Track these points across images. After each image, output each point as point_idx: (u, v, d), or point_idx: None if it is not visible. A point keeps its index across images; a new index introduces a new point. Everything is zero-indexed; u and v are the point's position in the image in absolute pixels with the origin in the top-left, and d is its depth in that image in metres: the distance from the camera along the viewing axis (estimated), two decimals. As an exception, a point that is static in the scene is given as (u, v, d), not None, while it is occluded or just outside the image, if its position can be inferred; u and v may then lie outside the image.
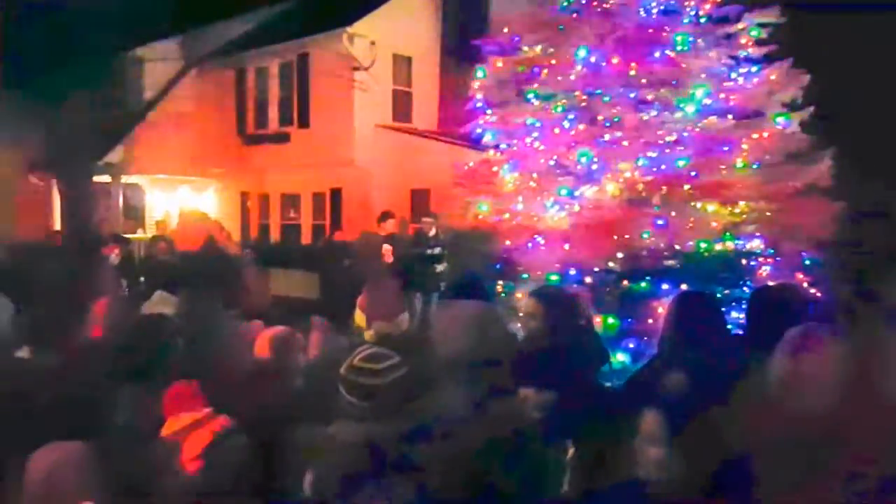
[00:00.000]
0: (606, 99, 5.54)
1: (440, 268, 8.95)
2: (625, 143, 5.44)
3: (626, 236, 5.21)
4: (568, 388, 2.57)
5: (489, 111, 5.98)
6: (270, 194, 18.13)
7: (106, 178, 16.99)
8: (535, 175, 5.61)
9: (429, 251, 9.40)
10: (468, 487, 2.23)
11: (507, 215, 5.73)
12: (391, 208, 11.73)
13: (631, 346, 5.06)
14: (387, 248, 9.27)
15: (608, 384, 3.59)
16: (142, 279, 7.47)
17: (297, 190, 17.41)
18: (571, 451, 2.67)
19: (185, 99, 16.44)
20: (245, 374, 3.28)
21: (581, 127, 5.52)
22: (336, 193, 16.31)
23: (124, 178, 18.11)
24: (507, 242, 5.59)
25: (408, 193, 14.39)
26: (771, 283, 4.18)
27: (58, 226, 14.94)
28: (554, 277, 5.19)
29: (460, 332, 2.85)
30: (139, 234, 16.58)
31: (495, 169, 5.95)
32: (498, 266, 5.56)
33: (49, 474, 2.31)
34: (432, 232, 9.78)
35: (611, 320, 5.09)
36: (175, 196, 19.02)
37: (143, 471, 2.58)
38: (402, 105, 15.90)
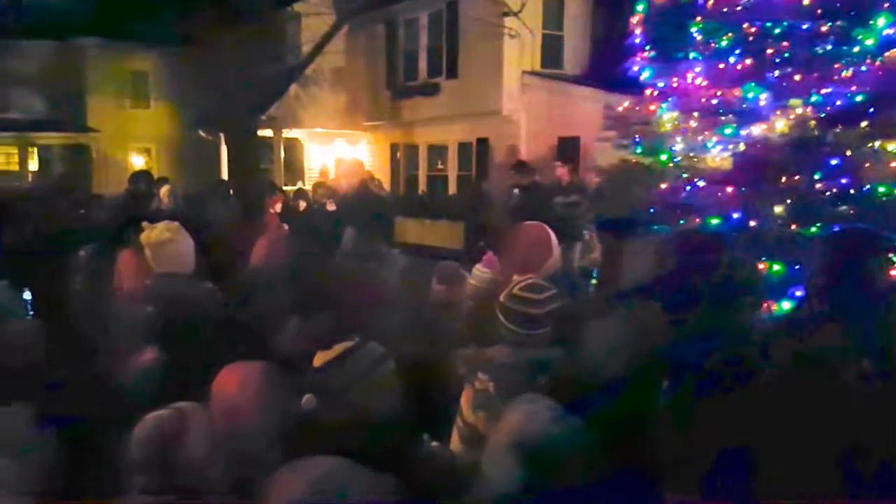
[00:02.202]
0: (777, 31, 5.19)
1: (575, 215, 8.79)
2: (796, 78, 5.09)
3: (796, 178, 4.91)
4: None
5: (648, 47, 5.75)
6: (419, 145, 18.46)
7: (268, 133, 17.92)
8: (696, 113, 5.36)
9: (563, 199, 9.24)
10: (610, 417, 2.21)
11: (663, 156, 5.53)
12: (538, 157, 11.63)
13: (798, 293, 4.78)
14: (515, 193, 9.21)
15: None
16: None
17: (445, 141, 17.61)
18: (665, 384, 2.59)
19: (338, 53, 16.94)
20: (412, 303, 3.44)
21: (748, 61, 5.19)
22: (482, 143, 16.36)
23: (284, 133, 19.03)
24: (664, 185, 5.40)
25: (555, 142, 14.19)
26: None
27: (225, 176, 15.96)
28: (715, 221, 4.98)
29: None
30: (298, 186, 17.42)
31: (652, 108, 5.73)
32: (653, 210, 5.39)
33: (237, 391, 2.49)
34: (567, 179, 9.62)
35: (776, 266, 4.83)
36: (330, 149, 19.80)
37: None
38: (552, 50, 15.50)
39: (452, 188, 17.45)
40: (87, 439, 2.53)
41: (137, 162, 23.48)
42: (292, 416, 2.42)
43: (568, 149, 13.34)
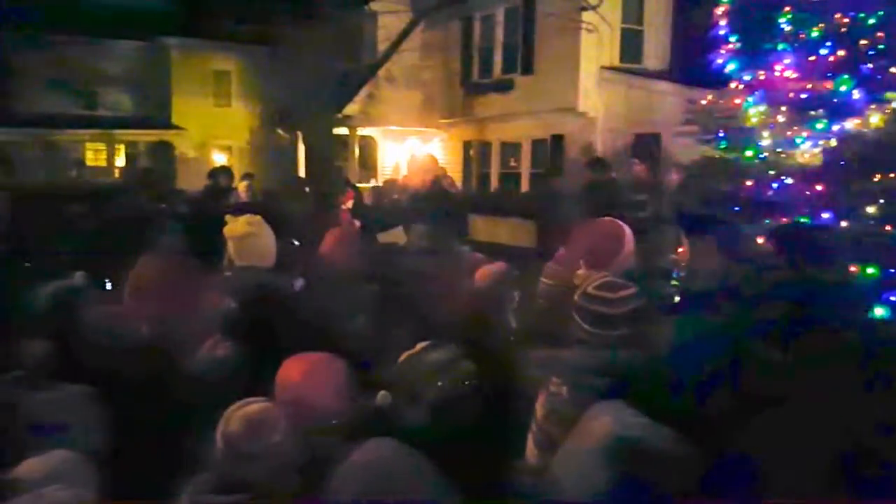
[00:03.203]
0: (871, 22, 4.94)
1: (642, 214, 8.54)
2: (892, 70, 4.84)
3: (891, 175, 4.66)
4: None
5: (733, 38, 5.54)
6: (492, 142, 18.35)
7: (344, 131, 18.15)
8: (784, 107, 5.13)
9: (632, 197, 8.99)
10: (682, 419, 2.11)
11: (749, 152, 5.31)
12: (616, 154, 11.38)
13: (893, 299, 4.53)
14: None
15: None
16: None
17: (518, 138, 17.44)
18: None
19: (413, 51, 16.99)
20: (467, 302, 3.39)
21: (840, 53, 4.95)
22: (557, 140, 16.11)
23: (360, 131, 19.24)
24: (749, 182, 5.19)
25: (632, 139, 13.87)
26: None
27: (302, 173, 16.24)
28: (803, 221, 4.76)
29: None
30: (372, 183, 17.59)
31: (738, 101, 5.51)
32: (738, 209, 5.18)
33: (302, 380, 2.48)
34: (643, 177, 9.38)
35: (870, 269, 4.58)
36: (404, 146, 19.91)
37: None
38: (631, 44, 15.06)
39: (525, 186, 17.28)
40: (157, 432, 2.55)
41: (219, 159, 24.14)
42: (365, 410, 2.41)
43: (647, 146, 13.02)
